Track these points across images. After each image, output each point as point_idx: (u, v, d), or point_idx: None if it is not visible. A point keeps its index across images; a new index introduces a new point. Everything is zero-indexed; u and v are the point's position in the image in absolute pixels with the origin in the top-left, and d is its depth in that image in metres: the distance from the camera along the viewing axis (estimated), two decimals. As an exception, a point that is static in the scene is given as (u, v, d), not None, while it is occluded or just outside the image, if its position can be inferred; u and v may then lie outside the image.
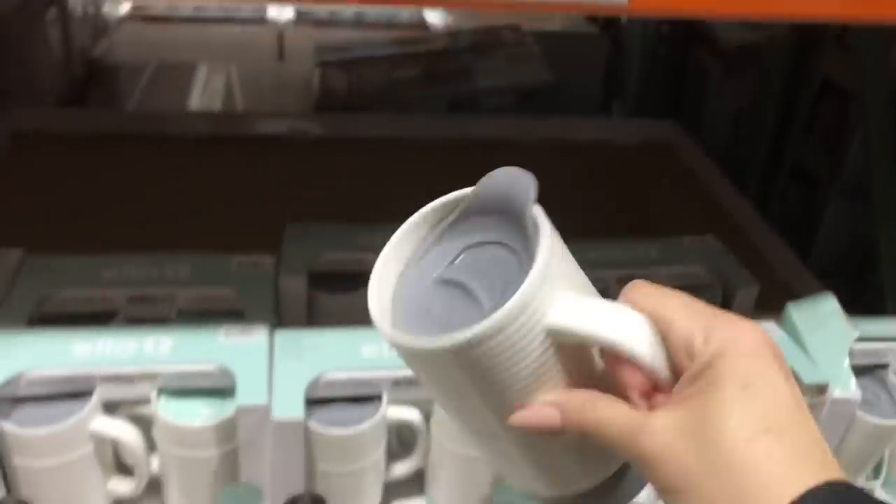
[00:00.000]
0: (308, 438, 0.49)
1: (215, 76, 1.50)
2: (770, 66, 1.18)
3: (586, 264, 0.63)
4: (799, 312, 0.57)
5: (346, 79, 1.35)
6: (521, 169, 0.32)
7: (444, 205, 0.33)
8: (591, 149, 1.12)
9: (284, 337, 0.53)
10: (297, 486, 0.51)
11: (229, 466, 0.51)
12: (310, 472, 0.51)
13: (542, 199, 0.85)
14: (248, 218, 0.90)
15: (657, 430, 0.29)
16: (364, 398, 0.52)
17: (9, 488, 0.49)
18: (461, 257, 0.33)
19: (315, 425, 0.49)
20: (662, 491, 0.29)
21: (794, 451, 0.27)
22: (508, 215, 0.32)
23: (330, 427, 0.49)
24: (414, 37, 1.57)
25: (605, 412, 0.30)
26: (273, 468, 0.50)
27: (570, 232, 0.77)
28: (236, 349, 0.51)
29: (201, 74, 1.49)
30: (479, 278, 0.31)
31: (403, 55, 1.43)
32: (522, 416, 0.31)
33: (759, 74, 1.20)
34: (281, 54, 1.63)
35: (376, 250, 0.62)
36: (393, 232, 0.64)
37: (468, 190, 0.33)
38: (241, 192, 0.96)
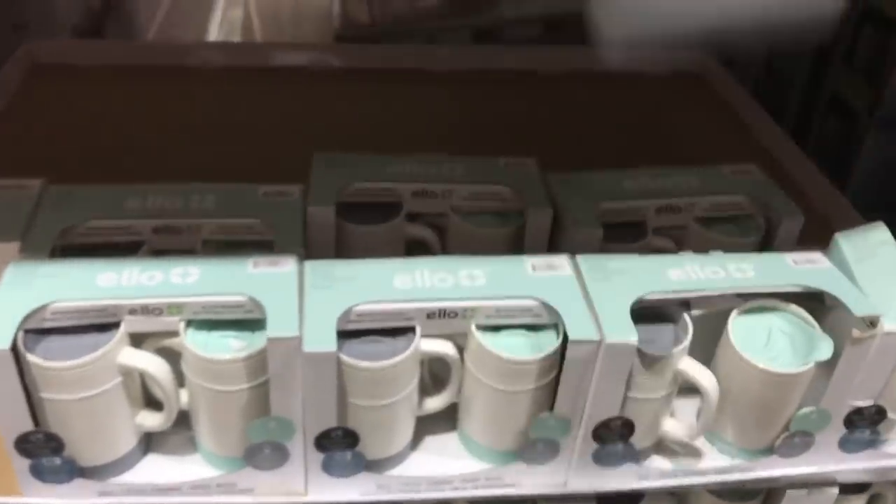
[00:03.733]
0: (340, 371, 0.48)
1: (233, 7, 1.47)
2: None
3: (623, 193, 0.62)
4: (848, 242, 0.55)
5: (367, 9, 1.32)
6: None
7: None
8: (620, 80, 1.08)
9: (314, 267, 0.51)
10: (330, 420, 0.49)
11: (260, 399, 0.50)
12: (341, 406, 0.49)
13: (573, 129, 0.81)
14: (270, 149, 0.88)
15: None
16: (397, 330, 0.50)
17: (37, 421, 0.48)
18: None
19: (347, 358, 0.48)
20: None
21: None
22: None
23: (362, 360, 0.48)
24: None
25: None
26: (305, 402, 0.49)
27: (603, 161, 0.75)
28: (265, 280, 0.50)
29: (219, 4, 1.46)
30: None
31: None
32: None
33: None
34: (300, -16, 1.58)
35: (405, 180, 0.60)
36: (422, 163, 0.62)
37: None
38: (263, 123, 0.94)
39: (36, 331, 0.47)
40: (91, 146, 0.87)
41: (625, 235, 0.60)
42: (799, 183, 0.84)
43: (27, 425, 0.48)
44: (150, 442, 0.54)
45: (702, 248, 0.61)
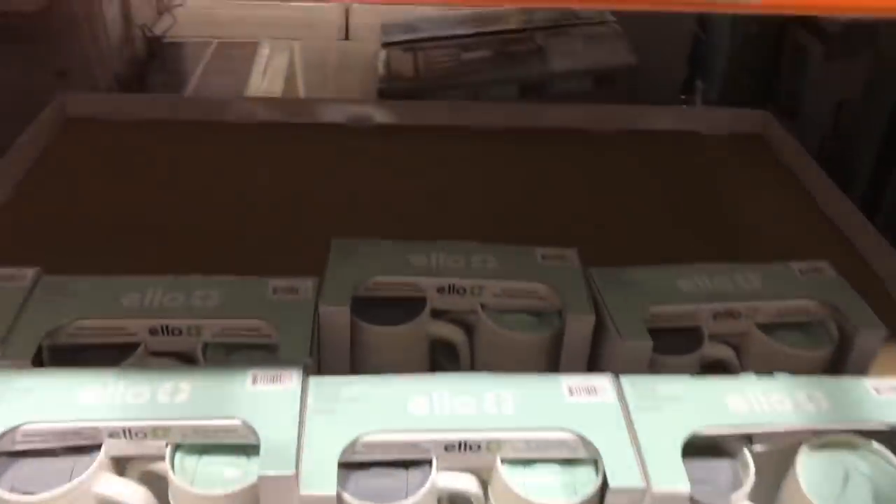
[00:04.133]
0: (343, 513, 0.42)
1: (278, 55, 1.44)
2: (887, 48, 1.04)
3: (676, 295, 0.55)
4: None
5: (412, 61, 1.27)
6: None
7: None
8: (673, 140, 1.02)
9: (319, 386, 0.45)
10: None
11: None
12: (345, 549, 0.43)
13: (620, 196, 0.74)
14: (298, 215, 0.83)
15: None
16: (411, 463, 0.44)
17: (5, 554, 0.43)
18: None
19: (351, 499, 0.42)
20: None
21: None
22: None
23: (368, 500, 0.42)
24: (486, 13, 1.48)
25: None
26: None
27: (653, 244, 0.68)
28: (264, 400, 0.44)
29: (263, 53, 1.43)
30: None
31: (474, 35, 1.34)
32: None
33: (874, 56, 1.07)
34: (346, 33, 1.55)
35: (430, 273, 0.55)
36: (450, 253, 0.56)
37: None
38: (295, 184, 0.90)
39: (6, 453, 0.42)
40: (114, 206, 0.84)
41: (677, 343, 0.53)
42: (874, 269, 0.75)
43: (-8, 560, 0.42)
44: (136, 568, 0.48)
45: (765, 359, 0.54)
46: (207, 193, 0.87)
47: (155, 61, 1.42)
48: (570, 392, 0.46)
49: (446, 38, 1.33)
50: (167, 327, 0.50)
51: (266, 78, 1.36)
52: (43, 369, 0.46)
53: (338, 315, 0.51)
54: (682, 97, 1.34)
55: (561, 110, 1.05)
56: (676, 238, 0.80)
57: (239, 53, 1.44)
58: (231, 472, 0.44)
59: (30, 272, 0.52)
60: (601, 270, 0.56)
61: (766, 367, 0.53)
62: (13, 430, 0.42)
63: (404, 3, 1.13)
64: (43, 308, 0.50)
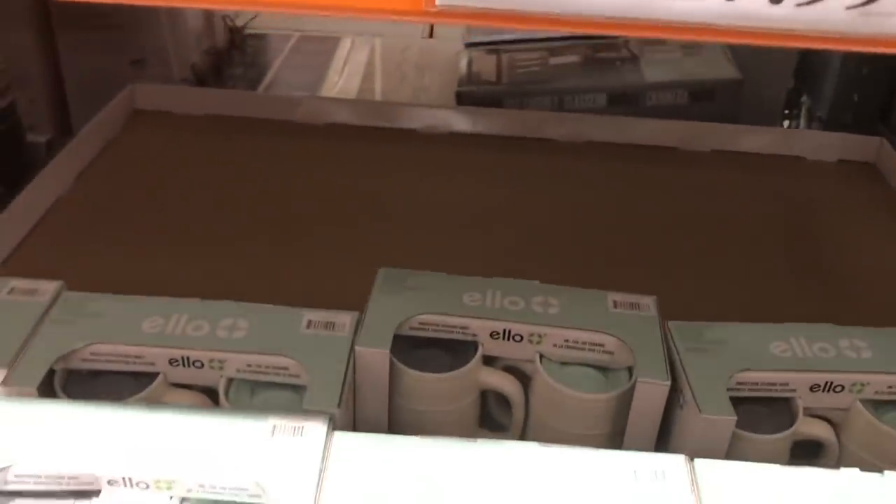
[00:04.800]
0: None
1: (358, 51, 1.39)
2: None
3: (768, 360, 0.47)
4: None
5: (496, 63, 1.21)
6: None
7: None
8: (775, 165, 0.93)
9: (342, 443, 0.40)
10: None
11: None
12: None
13: (710, 230, 0.65)
14: (357, 225, 0.79)
15: None
16: (441, 539, 0.38)
17: None
18: None
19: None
20: None
21: None
22: None
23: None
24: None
25: None
26: None
27: (745, 291, 0.60)
28: (282, 457, 0.39)
29: (344, 48, 1.39)
30: None
31: (564, 38, 1.27)
32: None
33: None
34: (431, 31, 1.50)
35: (484, 315, 0.48)
36: (508, 292, 0.50)
37: None
38: (359, 190, 0.85)
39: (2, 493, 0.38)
40: (171, 204, 0.81)
41: (766, 418, 0.46)
42: None
43: None
44: None
45: (870, 442, 0.46)
46: (268, 194, 0.83)
47: (234, 53, 1.39)
48: (636, 476, 0.39)
49: (534, 40, 1.26)
50: (188, 359, 0.45)
51: (343, 75, 1.32)
52: (44, 401, 0.42)
53: (376, 357, 0.46)
54: (786, 112, 1.24)
55: (652, 125, 0.97)
56: (772, 286, 0.71)
57: (319, 48, 1.41)
58: (240, 536, 0.39)
59: (52, 287, 0.48)
60: (681, 325, 0.48)
61: (870, 453, 0.45)
62: (6, 469, 0.38)
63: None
64: (59, 328, 0.46)
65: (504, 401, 0.50)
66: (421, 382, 0.47)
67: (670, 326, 0.48)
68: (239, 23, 1.41)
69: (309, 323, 0.47)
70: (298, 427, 0.40)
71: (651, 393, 0.45)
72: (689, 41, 1.22)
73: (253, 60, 1.39)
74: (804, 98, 1.28)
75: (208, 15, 1.32)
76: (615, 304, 0.49)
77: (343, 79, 1.30)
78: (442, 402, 0.48)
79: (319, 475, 0.38)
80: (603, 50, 1.22)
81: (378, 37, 1.42)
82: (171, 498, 0.39)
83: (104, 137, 0.92)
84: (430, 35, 1.49)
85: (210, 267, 0.67)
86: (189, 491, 0.38)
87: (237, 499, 0.39)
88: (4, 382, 0.42)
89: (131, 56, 1.16)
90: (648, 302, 0.50)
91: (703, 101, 1.14)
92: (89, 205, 0.80)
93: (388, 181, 0.87)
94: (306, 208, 0.81)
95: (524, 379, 0.50)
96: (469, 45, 1.27)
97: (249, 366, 0.45)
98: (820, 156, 0.95)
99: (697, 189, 0.88)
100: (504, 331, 0.48)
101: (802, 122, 1.22)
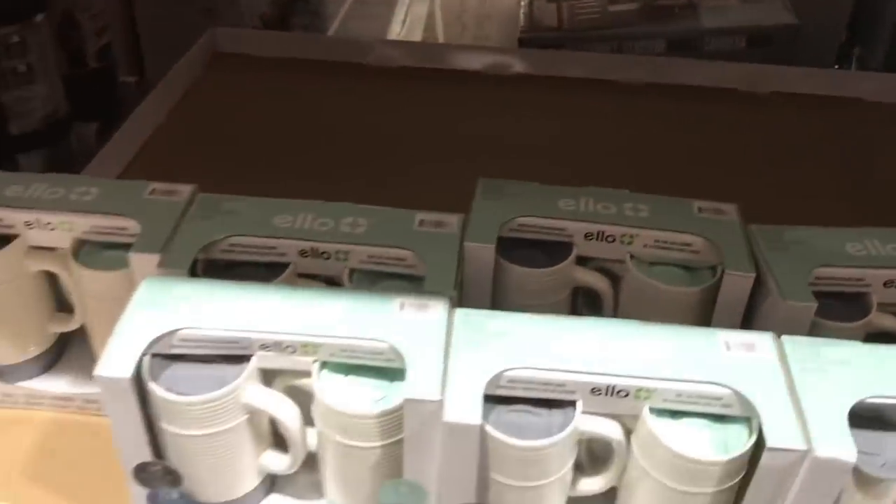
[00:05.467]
0: (484, 444, 0.41)
1: (418, 3, 1.43)
2: None
3: (844, 258, 0.51)
4: None
5: (556, 11, 1.24)
6: None
7: None
8: (833, 106, 0.95)
9: (466, 319, 0.45)
10: (468, 495, 0.43)
11: (393, 459, 0.44)
12: (482, 480, 0.43)
13: (777, 161, 0.69)
14: (439, 156, 0.83)
15: None
16: (554, 403, 0.43)
17: (158, 452, 0.44)
18: None
19: (494, 432, 0.41)
20: None
21: None
22: None
23: (511, 434, 0.41)
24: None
25: None
26: (441, 471, 0.42)
27: (809, 212, 0.64)
28: (411, 326, 0.44)
29: (404, 1, 1.43)
30: None
31: (622, -14, 1.30)
32: None
33: None
34: (487, -19, 1.53)
35: (579, 218, 0.53)
36: (601, 199, 0.54)
37: None
38: (435, 128, 0.89)
39: (162, 356, 0.44)
40: (261, 138, 0.86)
41: (842, 310, 0.50)
42: None
43: (145, 455, 0.44)
44: (274, 481, 0.50)
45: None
46: (347, 132, 0.88)
47: (298, 3, 1.43)
48: (728, 347, 0.43)
49: (592, -11, 1.29)
50: (317, 250, 0.50)
51: (406, 25, 1.36)
52: (199, 280, 0.47)
53: (483, 252, 0.50)
54: (836, 66, 1.25)
55: (712, 67, 1.00)
56: (834, 209, 0.74)
57: (379, 1, 1.45)
58: (375, 393, 0.44)
59: (187, 189, 0.53)
60: (762, 228, 0.52)
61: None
62: (171, 333, 0.43)
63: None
64: (199, 223, 0.51)
65: (591, 303, 0.55)
66: (522, 277, 0.52)
67: (752, 228, 0.52)
68: (301, -25, 1.45)
69: (421, 222, 0.52)
70: (422, 304, 0.45)
71: (738, 284, 0.49)
72: (746, -11, 1.24)
73: (316, 11, 1.43)
74: (856, 49, 1.29)
75: (274, -34, 1.36)
76: (700, 210, 0.54)
77: (405, 29, 1.34)
78: (539, 297, 0.53)
79: (446, 341, 0.43)
80: (661, -4, 1.24)
81: (436, -11, 1.45)
82: (314, 361, 0.44)
83: (191, 75, 0.97)
84: (487, -14, 1.52)
85: (307, 190, 0.72)
86: (331, 354, 0.44)
87: (374, 362, 0.44)
88: (160, 264, 0.48)
89: (202, 5, 1.21)
90: (731, 208, 0.54)
91: (759, 46, 1.16)
92: (183, 134, 0.86)
93: (458, 119, 0.91)
94: (384, 142, 0.86)
95: (613, 279, 0.54)
96: (529, -5, 1.29)
97: (371, 257, 0.50)
98: (877, 97, 0.97)
99: (759, 126, 0.91)
100: (598, 232, 0.52)
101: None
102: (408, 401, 0.40)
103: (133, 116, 0.83)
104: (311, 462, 0.48)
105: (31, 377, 0.56)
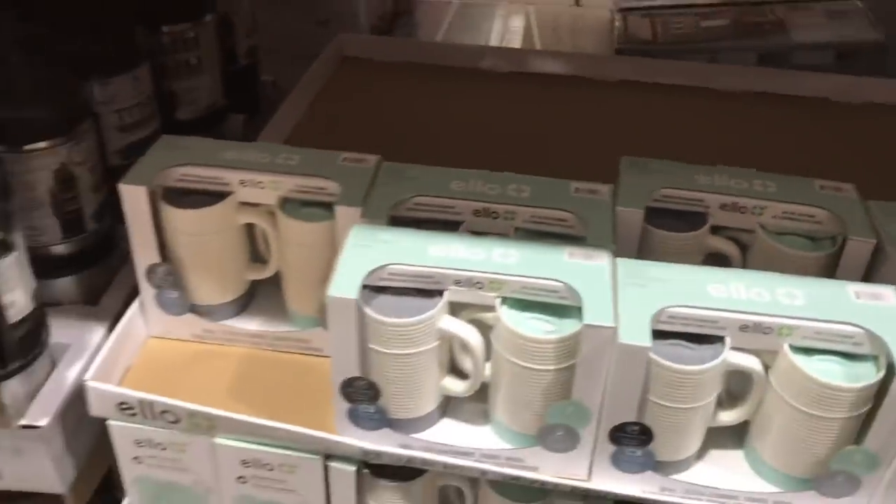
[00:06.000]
0: (648, 369, 0.49)
1: (514, 16, 1.52)
2: None
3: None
4: None
5: (650, 25, 1.32)
6: None
7: None
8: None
9: (627, 265, 0.52)
10: (629, 415, 0.50)
11: (561, 383, 0.51)
12: (642, 402, 0.50)
13: (861, 173, 0.74)
14: (552, 155, 0.91)
15: None
16: (702, 337, 0.50)
17: (363, 370, 0.53)
18: None
19: (657, 357, 0.48)
20: None
21: None
22: None
23: (671, 361, 0.49)
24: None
25: None
26: (607, 392, 0.50)
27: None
28: (579, 270, 0.52)
29: (501, 14, 1.52)
30: None
31: (711, 4, 1.37)
32: None
33: None
34: (577, 0, 1.62)
35: (715, 191, 0.60)
36: (732, 176, 0.61)
37: None
38: (547, 130, 0.97)
39: (370, 287, 0.52)
40: (388, 132, 0.95)
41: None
42: None
43: (354, 371, 0.53)
44: (446, 408, 0.58)
45: None
46: (465, 129, 0.96)
47: (402, 17, 1.54)
48: (857, 295, 0.50)
49: (684, 6, 1.36)
50: (488, 210, 0.58)
51: (504, 37, 1.45)
52: (397, 228, 0.56)
53: (633, 216, 0.58)
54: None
55: (804, 78, 1.06)
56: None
57: (478, 13, 1.54)
58: (547, 326, 0.51)
59: (373, 158, 0.62)
60: (880, 203, 0.59)
61: None
62: (382, 268, 0.52)
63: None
64: (388, 185, 0.59)
65: (724, 264, 0.62)
66: (665, 240, 0.59)
67: (870, 203, 0.59)
68: (405, -9, 1.55)
69: (576, 189, 0.60)
70: (588, 254, 0.53)
71: (860, 250, 0.56)
72: (833, 7, 1.30)
73: (419, 23, 1.53)
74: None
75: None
76: (821, 188, 0.61)
77: (505, 42, 1.43)
78: (677, 258, 0.60)
79: (612, 283, 0.51)
80: (750, 14, 1.32)
81: (530, 5, 1.54)
82: (496, 296, 0.52)
83: (323, 76, 1.06)
84: (577, 3, 1.61)
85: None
86: (513, 291, 0.52)
87: (549, 299, 0.51)
88: (363, 215, 0.56)
89: (318, 17, 1.32)
90: (849, 187, 0.61)
91: (847, 61, 1.22)
92: (321, 128, 0.95)
93: (564, 121, 0.98)
94: (500, 140, 0.94)
95: (742, 248, 0.61)
96: (623, 10, 1.38)
97: (534, 217, 0.58)
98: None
99: (851, 136, 0.97)
100: (732, 203, 0.60)
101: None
102: (586, 326, 0.48)
103: (280, 111, 0.93)
104: (477, 393, 0.56)
105: (229, 317, 0.65)
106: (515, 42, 1.42)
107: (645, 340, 0.47)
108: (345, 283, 0.50)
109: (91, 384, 0.56)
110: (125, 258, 0.73)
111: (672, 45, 1.26)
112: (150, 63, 0.78)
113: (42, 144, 0.63)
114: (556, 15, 1.52)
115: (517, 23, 1.49)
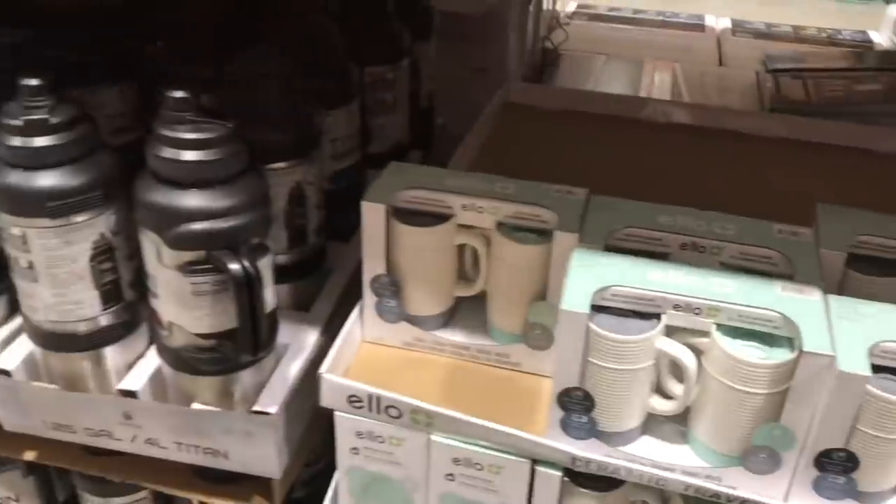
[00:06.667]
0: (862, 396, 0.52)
1: (661, 72, 1.57)
2: None
3: None
4: None
5: (803, 87, 1.34)
6: None
7: None
8: None
9: (840, 301, 0.56)
10: (838, 441, 0.53)
11: (769, 407, 0.55)
12: (852, 430, 0.53)
13: None
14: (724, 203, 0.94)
15: None
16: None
17: (581, 381, 0.57)
18: None
19: (872, 388, 0.51)
20: None
21: None
22: None
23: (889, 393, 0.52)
24: (861, 54, 1.53)
25: None
26: (821, 418, 0.53)
27: None
28: (793, 303, 0.55)
29: (648, 70, 1.57)
30: None
31: (864, 69, 1.39)
32: None
33: None
34: (720, 59, 1.66)
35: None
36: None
37: None
38: (713, 178, 1.00)
39: (596, 306, 0.57)
40: (554, 173, 1.00)
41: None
42: None
43: (574, 381, 0.57)
44: (645, 427, 0.61)
45: None
46: (623, 174, 1.00)
47: (548, 69, 1.61)
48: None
49: (837, 70, 1.39)
50: (696, 244, 0.62)
51: (651, 92, 1.50)
52: (614, 254, 0.61)
53: (836, 259, 0.61)
54: None
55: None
56: None
57: (625, 68, 1.60)
58: (759, 353, 0.55)
59: (582, 191, 0.67)
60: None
61: None
62: (605, 288, 0.56)
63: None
64: (599, 215, 0.65)
65: None
66: (864, 283, 0.62)
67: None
68: (549, 44, 1.63)
69: (779, 231, 0.63)
70: (799, 289, 0.57)
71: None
72: None
73: (566, 76, 1.59)
74: None
75: (536, 35, 1.54)
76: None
77: (653, 96, 1.48)
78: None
79: (827, 316, 0.54)
80: (904, 81, 1.33)
81: (676, 62, 1.59)
82: (712, 322, 0.56)
83: (493, 120, 1.13)
84: (720, 62, 1.65)
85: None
86: (729, 318, 0.56)
87: (763, 328, 0.55)
88: (581, 240, 0.61)
89: (477, 65, 1.40)
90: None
91: None
92: (491, 168, 1.01)
93: (720, 171, 1.01)
94: (661, 188, 0.97)
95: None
96: (773, 71, 1.41)
97: (741, 253, 0.62)
98: None
99: None
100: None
101: None
102: (805, 353, 0.52)
103: (459, 151, 1.00)
104: (678, 416, 0.60)
105: (437, 328, 0.71)
106: (665, 96, 1.47)
107: (864, 370, 0.51)
108: (575, 300, 0.55)
109: (327, 376, 0.63)
110: (329, 272, 0.81)
111: (826, 107, 1.28)
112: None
113: (283, 164, 0.72)
114: (702, 73, 1.56)
115: (663, 78, 1.54)
